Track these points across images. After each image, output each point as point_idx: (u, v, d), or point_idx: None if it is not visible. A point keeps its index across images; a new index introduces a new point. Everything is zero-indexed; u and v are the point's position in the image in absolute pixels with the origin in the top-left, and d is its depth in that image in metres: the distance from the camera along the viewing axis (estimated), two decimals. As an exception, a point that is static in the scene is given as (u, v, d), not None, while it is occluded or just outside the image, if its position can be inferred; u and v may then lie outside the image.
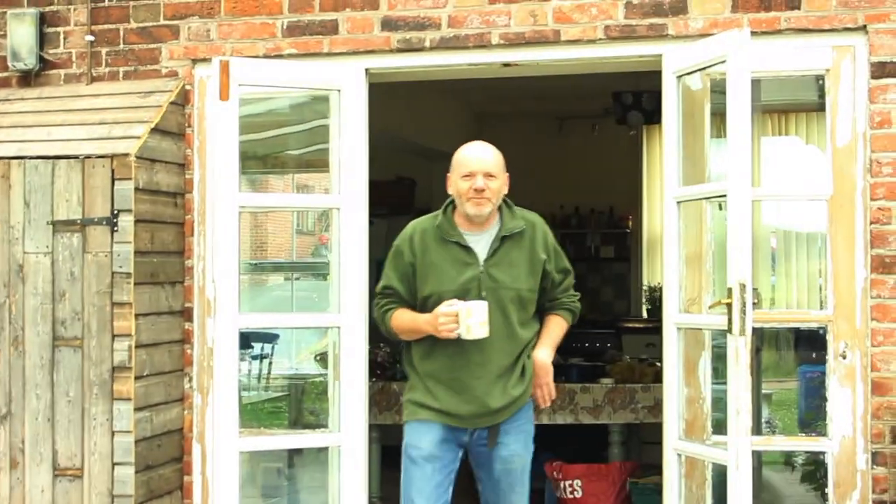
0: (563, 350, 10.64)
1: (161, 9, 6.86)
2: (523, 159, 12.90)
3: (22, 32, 6.89)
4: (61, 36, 6.98)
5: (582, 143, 12.68)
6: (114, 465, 6.23)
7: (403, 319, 5.24)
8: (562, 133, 12.77)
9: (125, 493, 6.28)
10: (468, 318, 4.84)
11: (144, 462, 6.44)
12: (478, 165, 5.10)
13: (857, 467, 5.97)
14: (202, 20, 6.79)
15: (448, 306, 4.91)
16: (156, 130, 6.50)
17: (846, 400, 6.00)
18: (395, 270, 5.27)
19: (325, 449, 6.70)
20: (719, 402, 5.92)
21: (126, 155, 6.24)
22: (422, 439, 5.17)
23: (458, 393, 5.08)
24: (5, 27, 6.91)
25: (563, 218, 13.13)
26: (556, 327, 5.39)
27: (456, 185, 5.14)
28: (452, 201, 5.24)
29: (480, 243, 5.14)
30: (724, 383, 5.76)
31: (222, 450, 6.42)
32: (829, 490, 6.03)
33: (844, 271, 5.98)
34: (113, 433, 6.24)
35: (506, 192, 5.23)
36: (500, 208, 5.24)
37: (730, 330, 5.60)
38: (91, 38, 6.94)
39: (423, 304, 5.15)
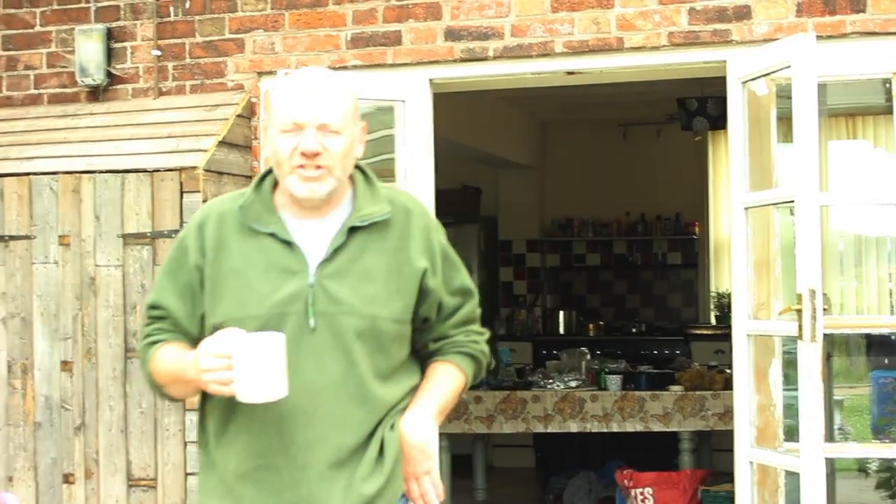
0: (632, 357, 10.70)
1: (226, 23, 6.92)
2: (588, 167, 13.05)
3: (90, 48, 6.96)
4: (128, 51, 7.05)
5: (647, 150, 12.64)
6: (186, 475, 6.27)
7: (167, 363, 3.03)
8: (626, 140, 12.73)
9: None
10: (247, 366, 2.71)
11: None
12: (308, 111, 2.91)
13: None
14: (267, 33, 6.85)
15: (220, 340, 2.80)
16: (223, 143, 6.55)
17: (919, 405, 5.98)
18: (171, 277, 3.10)
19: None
20: (791, 409, 5.90)
21: (194, 168, 6.30)
22: None
23: (271, 494, 2.95)
24: (73, 43, 6.99)
25: (630, 225, 13.11)
26: (444, 381, 3.14)
27: (273, 144, 2.99)
28: (271, 171, 3.09)
29: (314, 237, 2.98)
30: (796, 390, 5.74)
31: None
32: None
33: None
34: (185, 443, 6.29)
35: (360, 154, 3.07)
36: (352, 182, 3.08)
37: (800, 336, 5.59)
38: (158, 52, 7.01)
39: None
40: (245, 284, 2.98)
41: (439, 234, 3.21)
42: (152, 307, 3.15)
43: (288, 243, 2.99)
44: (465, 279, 3.26)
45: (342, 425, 2.96)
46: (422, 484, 3.07)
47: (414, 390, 3.14)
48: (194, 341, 3.02)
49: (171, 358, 3.04)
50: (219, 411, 3.02)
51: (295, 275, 2.96)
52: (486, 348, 3.31)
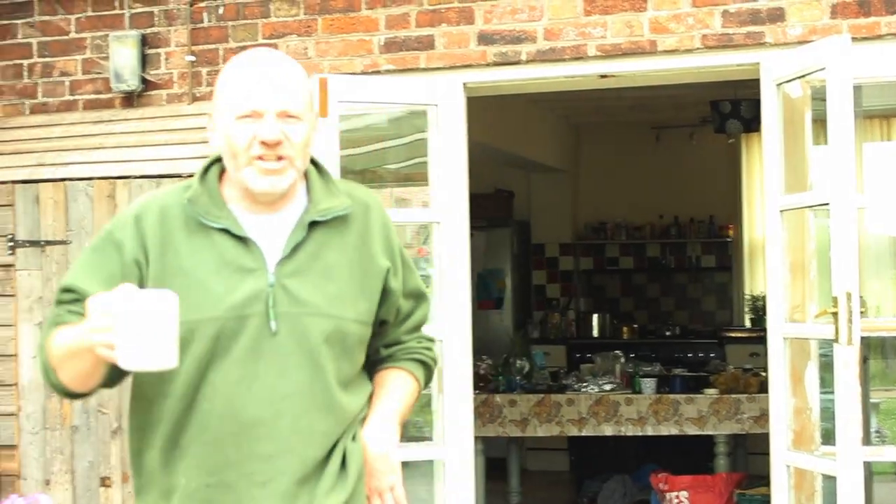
0: (666, 361, 10.70)
1: (259, 28, 6.95)
2: (621, 170, 13.08)
3: (124, 54, 7.00)
4: (162, 57, 7.09)
5: (680, 153, 12.65)
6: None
7: (62, 336, 2.59)
8: (659, 143, 12.75)
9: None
10: (132, 326, 2.32)
11: None
12: (267, 96, 2.65)
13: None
14: (300, 38, 6.87)
15: (110, 297, 2.37)
16: None
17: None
18: (93, 266, 2.74)
19: (430, 462, 6.72)
20: (827, 412, 5.90)
21: None
22: None
23: None
24: (108, 49, 7.02)
25: (663, 228, 13.13)
26: (402, 389, 2.96)
27: (225, 133, 2.69)
28: (217, 160, 2.80)
29: (268, 234, 2.73)
30: (832, 393, 5.74)
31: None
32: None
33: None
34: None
35: (314, 144, 2.83)
36: (305, 175, 2.84)
37: (836, 339, 5.58)
38: (192, 58, 7.03)
39: None
40: (196, 285, 2.66)
41: (394, 231, 3.00)
42: (64, 290, 2.73)
43: (243, 239, 2.70)
44: (420, 281, 3.08)
45: (307, 436, 2.70)
46: (384, 500, 2.84)
47: (370, 399, 2.92)
48: None
49: (68, 332, 2.57)
50: (168, 423, 2.69)
51: (252, 274, 2.68)
52: (436, 355, 3.15)
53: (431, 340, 3.14)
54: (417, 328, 3.06)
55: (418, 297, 3.05)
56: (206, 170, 2.80)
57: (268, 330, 2.66)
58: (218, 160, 2.80)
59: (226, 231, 2.69)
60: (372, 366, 2.97)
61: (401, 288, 2.93)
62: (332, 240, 2.78)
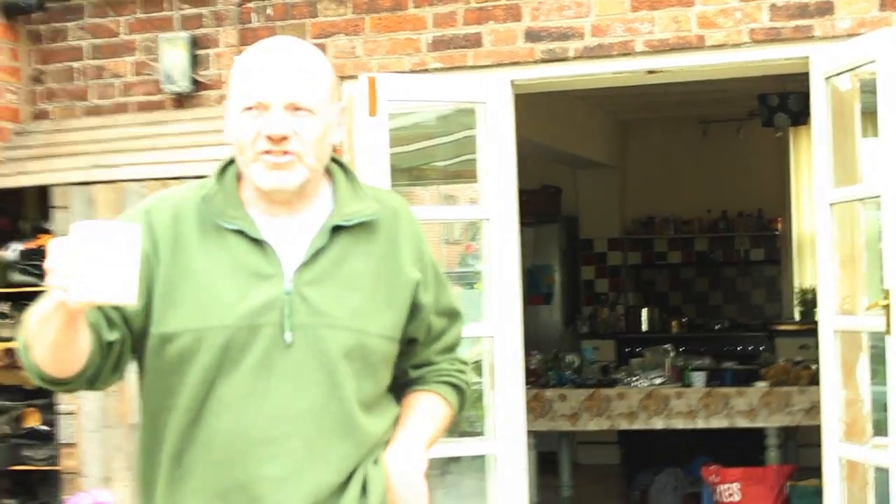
0: (716, 354, 10.71)
1: (307, 28, 6.97)
2: (668, 164, 13.07)
3: (174, 55, 7.04)
4: (212, 58, 7.12)
5: (727, 147, 12.63)
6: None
7: (39, 304, 2.28)
8: (706, 137, 12.74)
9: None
10: (89, 256, 2.09)
11: None
12: (274, 87, 2.42)
13: None
14: (348, 37, 6.89)
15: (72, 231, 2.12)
16: None
17: None
18: None
19: (482, 457, 6.75)
20: (879, 404, 5.89)
21: None
22: None
23: None
24: (158, 51, 7.07)
25: (711, 222, 13.13)
26: (431, 412, 2.68)
27: (234, 126, 2.48)
28: (234, 160, 2.56)
29: (288, 238, 2.49)
30: (884, 385, 5.73)
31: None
32: None
33: None
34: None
35: (338, 140, 2.62)
36: (330, 175, 2.60)
37: (888, 331, 5.57)
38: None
39: (160, 353, 2.46)
40: (207, 290, 2.44)
41: (426, 244, 2.68)
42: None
43: (259, 242, 2.46)
44: (453, 299, 2.76)
45: (322, 460, 2.43)
46: None
47: (396, 422, 2.62)
48: (105, 344, 2.40)
49: (39, 305, 2.29)
50: (172, 440, 2.45)
51: (268, 280, 2.43)
52: (470, 379, 2.81)
53: (465, 363, 2.82)
54: (450, 349, 2.76)
55: (452, 316, 2.75)
56: (224, 169, 2.58)
57: (282, 341, 2.41)
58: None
59: (241, 233, 2.46)
60: (400, 388, 2.69)
61: (432, 303, 2.64)
62: (357, 247, 2.51)
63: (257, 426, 2.40)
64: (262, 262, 2.44)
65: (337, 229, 2.48)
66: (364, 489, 2.47)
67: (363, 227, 2.52)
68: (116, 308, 2.36)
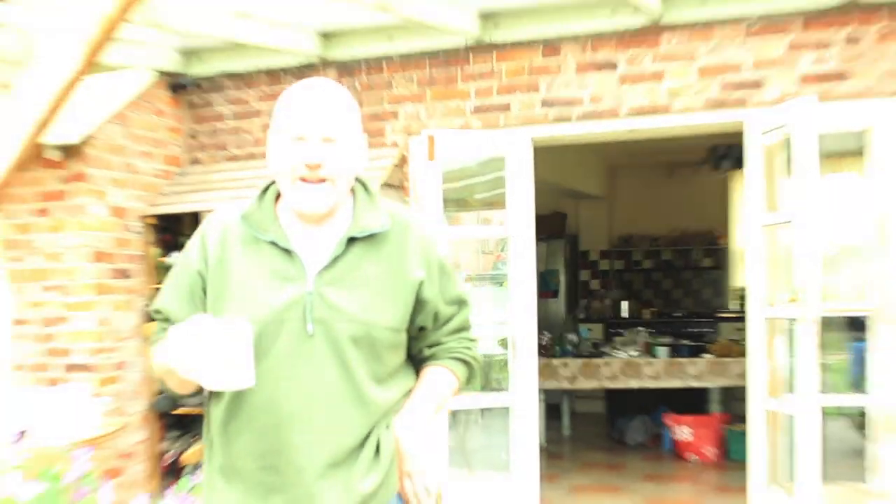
0: (676, 334, 10.71)
1: (385, 97, 7.02)
2: (644, 197, 13.10)
3: None
4: None
5: (686, 184, 12.61)
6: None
7: (161, 358, 2.35)
8: (672, 177, 12.73)
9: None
10: (212, 354, 2.10)
11: None
12: (312, 122, 2.31)
13: (893, 416, 5.92)
14: (413, 105, 6.94)
15: (191, 327, 2.14)
16: (385, 185, 6.59)
17: (885, 367, 5.94)
18: (175, 283, 2.50)
19: (506, 408, 6.76)
20: (792, 370, 5.91)
21: None
22: None
23: (272, 492, 2.35)
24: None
25: (674, 239, 13.09)
26: (438, 384, 2.57)
27: (275, 154, 2.39)
28: (274, 182, 2.48)
29: (313, 246, 2.40)
30: (795, 356, 5.76)
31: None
32: (873, 433, 5.99)
33: (885, 274, 5.94)
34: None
35: (361, 168, 2.50)
36: (353, 194, 2.50)
37: (800, 318, 5.62)
38: (337, 119, 7.15)
39: None
40: (246, 290, 2.35)
41: (435, 247, 2.54)
42: (156, 311, 2.51)
43: (287, 251, 2.36)
44: (459, 291, 2.60)
45: (339, 427, 2.33)
46: (416, 482, 2.45)
47: (409, 392, 2.52)
48: None
49: (162, 353, 2.32)
50: (220, 412, 2.40)
51: (293, 282, 2.34)
52: (477, 354, 2.67)
53: (473, 340, 2.66)
54: (459, 330, 2.61)
55: (459, 304, 2.59)
56: (266, 189, 2.47)
57: (305, 332, 2.31)
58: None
59: (273, 243, 2.36)
60: (418, 364, 2.58)
61: (438, 296, 2.50)
62: (370, 254, 2.39)
63: (287, 403, 2.32)
64: (290, 268, 2.34)
65: (352, 240, 2.37)
66: (377, 450, 2.37)
67: (375, 237, 2.40)
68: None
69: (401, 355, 2.48)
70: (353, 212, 2.43)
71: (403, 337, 2.45)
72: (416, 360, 2.56)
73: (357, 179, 2.47)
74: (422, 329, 2.51)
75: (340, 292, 2.33)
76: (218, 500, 2.39)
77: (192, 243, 2.46)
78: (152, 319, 2.52)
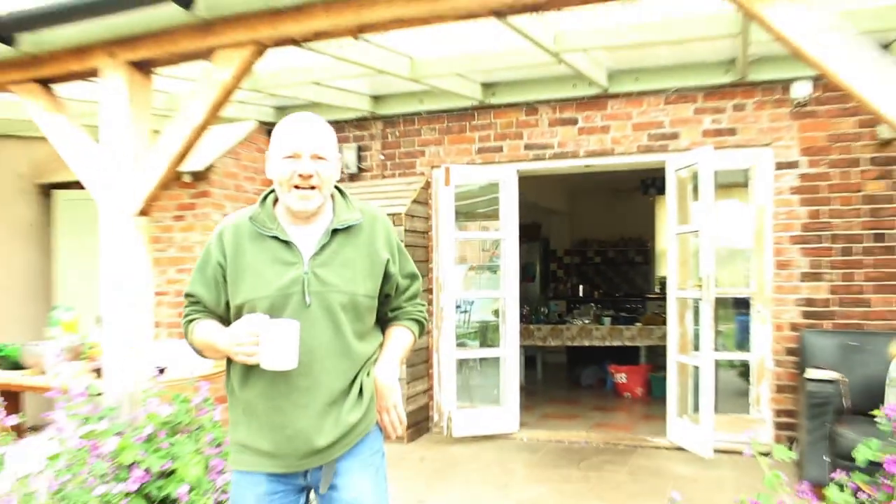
0: (617, 309, 10.72)
1: (415, 141, 7.04)
2: (596, 212, 13.05)
3: (349, 154, 7.08)
4: (369, 156, 7.20)
5: (626, 203, 12.59)
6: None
7: (201, 335, 2.35)
8: (616, 198, 12.70)
9: (399, 377, 6.23)
10: (271, 343, 2.14)
11: (411, 362, 6.44)
12: (304, 143, 2.26)
13: (767, 367, 5.95)
14: (436, 147, 6.97)
15: (249, 324, 2.17)
16: (414, 201, 6.61)
17: (761, 333, 5.98)
18: (201, 274, 2.38)
19: (498, 358, 6.84)
20: (696, 334, 5.95)
21: (400, 213, 6.36)
22: (244, 498, 2.34)
23: (280, 427, 2.28)
24: (342, 152, 7.13)
25: (616, 242, 13.10)
26: (401, 340, 2.49)
27: (276, 168, 2.29)
28: (273, 190, 2.39)
29: (306, 238, 2.32)
30: (698, 325, 5.80)
31: (446, 356, 6.63)
32: (753, 379, 6.02)
33: (761, 268, 5.97)
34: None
35: (338, 178, 2.41)
36: (332, 197, 2.40)
37: (702, 298, 5.65)
38: (382, 157, 7.17)
39: (238, 315, 2.31)
40: (257, 274, 2.26)
41: (395, 234, 2.43)
42: (188, 295, 2.38)
43: (287, 243, 2.27)
44: (413, 267, 2.49)
45: (333, 374, 2.26)
46: (391, 414, 2.38)
47: (380, 346, 2.42)
48: (221, 319, 2.34)
49: (204, 333, 2.31)
50: (240, 366, 2.29)
51: (293, 266, 2.26)
52: (426, 315, 2.57)
53: (423, 305, 2.55)
54: (413, 297, 2.50)
55: (413, 277, 2.48)
56: (266, 196, 2.37)
57: (304, 303, 2.23)
58: (273, 190, 2.36)
59: (275, 237, 2.28)
60: (383, 324, 2.46)
61: (398, 271, 2.41)
62: (349, 241, 2.31)
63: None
64: (289, 255, 2.26)
65: (335, 231, 2.29)
66: (361, 392, 2.30)
67: (352, 228, 2.31)
68: (217, 301, 2.32)
69: (373, 317, 2.38)
70: (334, 210, 2.34)
71: (376, 303, 2.36)
72: (381, 321, 2.45)
73: (335, 186, 2.37)
74: (387, 296, 2.41)
75: (329, 271, 2.26)
76: (242, 433, 2.30)
77: (212, 241, 2.35)
78: (186, 304, 2.41)
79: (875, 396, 4.99)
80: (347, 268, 2.28)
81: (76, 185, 6.92)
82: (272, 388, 2.23)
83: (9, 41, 3.54)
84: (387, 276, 2.35)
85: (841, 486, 2.57)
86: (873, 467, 2.62)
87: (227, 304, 2.30)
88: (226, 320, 2.31)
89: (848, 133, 5.70)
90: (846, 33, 2.37)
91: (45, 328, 4.98)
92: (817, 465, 4.63)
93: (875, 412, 2.83)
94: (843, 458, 4.47)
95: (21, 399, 5.23)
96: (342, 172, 7.06)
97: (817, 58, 2.39)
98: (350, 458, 2.30)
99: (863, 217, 5.66)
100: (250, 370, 2.24)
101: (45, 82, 3.78)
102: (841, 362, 5.18)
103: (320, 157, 2.23)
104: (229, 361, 2.31)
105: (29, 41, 3.62)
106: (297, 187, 2.23)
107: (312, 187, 2.23)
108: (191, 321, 2.35)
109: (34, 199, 7.16)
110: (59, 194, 7.12)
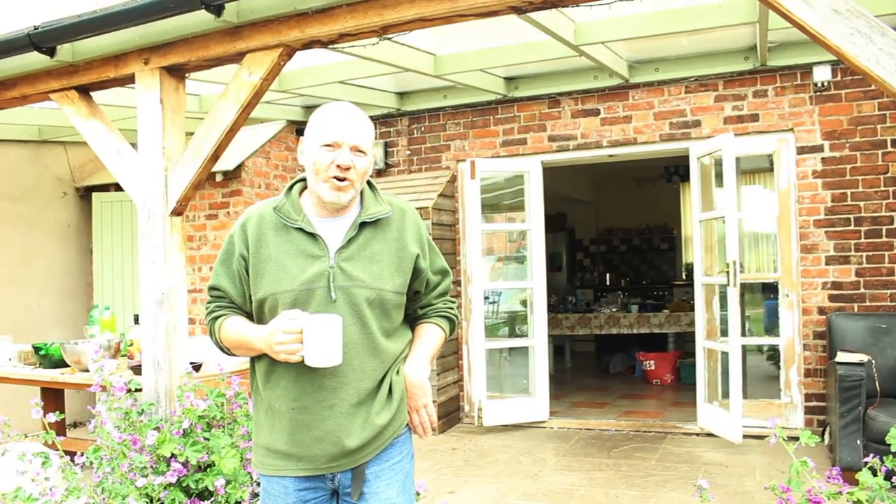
0: (644, 296, 10.70)
1: (441, 136, 7.08)
2: (620, 201, 13.00)
3: (377, 151, 7.16)
4: (396, 152, 7.24)
5: (650, 192, 12.53)
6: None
7: (233, 333, 2.19)
8: (639, 187, 12.65)
9: (432, 369, 6.24)
10: (315, 339, 2.00)
11: (441, 353, 6.51)
12: (347, 134, 2.09)
13: (796, 351, 5.92)
14: (461, 141, 7.00)
15: (290, 320, 2.01)
16: (441, 195, 6.64)
17: (789, 318, 5.94)
18: (224, 266, 2.23)
19: (526, 347, 6.86)
20: (724, 320, 5.93)
21: (427, 207, 6.39)
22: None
23: (305, 428, 2.12)
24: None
25: (641, 230, 13.03)
26: (431, 337, 2.31)
27: (312, 156, 2.11)
28: (301, 180, 2.24)
29: (332, 231, 2.16)
30: (726, 311, 5.78)
31: (476, 347, 6.65)
32: (782, 363, 5.99)
33: (786, 252, 5.94)
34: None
35: (371, 173, 2.36)
36: (360, 190, 2.21)
37: (728, 284, 5.63)
38: (408, 152, 7.21)
39: (259, 311, 2.17)
40: (280, 267, 2.11)
41: (424, 229, 2.28)
42: (212, 289, 2.24)
43: (312, 235, 2.12)
44: (444, 263, 2.34)
45: (360, 373, 2.10)
46: (421, 415, 2.24)
47: (409, 343, 2.26)
48: (247, 314, 2.21)
49: (236, 330, 2.16)
50: (264, 364, 2.16)
51: (318, 259, 2.10)
52: (457, 312, 2.39)
53: (454, 302, 2.38)
54: (443, 294, 2.33)
55: (443, 273, 2.32)
56: (292, 186, 2.23)
57: (329, 298, 2.07)
58: (300, 179, 2.23)
59: (301, 229, 2.13)
60: (413, 321, 2.31)
61: (428, 266, 2.25)
62: (377, 235, 2.15)
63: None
64: (315, 248, 2.11)
65: (363, 224, 2.14)
66: (390, 391, 2.16)
67: (380, 222, 2.16)
68: (242, 295, 2.19)
69: (402, 314, 2.23)
70: (362, 203, 2.19)
71: (404, 299, 2.21)
72: (410, 318, 2.31)
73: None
74: (416, 293, 2.26)
75: (356, 265, 2.11)
76: (264, 436, 2.18)
77: (235, 231, 2.22)
78: (210, 298, 2.27)
79: (905, 379, 4.95)
80: (375, 263, 2.14)
81: (114, 186, 7.15)
82: (297, 386, 2.11)
83: (51, 52, 3.62)
84: (416, 272, 2.22)
85: (874, 471, 2.54)
86: (908, 451, 2.59)
87: (251, 297, 2.18)
88: (251, 316, 2.20)
89: (871, 115, 5.65)
90: (864, 17, 2.36)
91: (85, 327, 5.08)
92: (851, 449, 4.60)
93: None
94: (877, 442, 4.45)
95: (62, 397, 5.35)
96: (376, 167, 7.02)
97: (837, 44, 2.38)
98: (379, 463, 2.17)
99: (889, 199, 5.60)
100: (274, 369, 2.13)
101: (83, 89, 3.85)
102: (871, 345, 5.14)
103: (360, 151, 2.10)
104: (254, 359, 2.21)
105: (68, 51, 3.70)
106: (335, 178, 2.09)
107: (347, 180, 2.09)
108: (217, 317, 2.23)
109: (73, 202, 7.29)
110: (98, 196, 7.24)
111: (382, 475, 2.16)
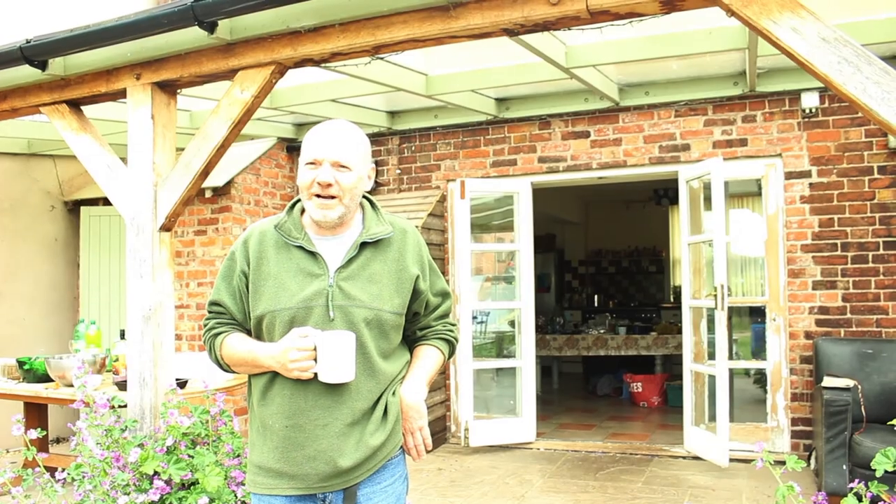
0: (632, 318, 10.71)
1: (431, 156, 7.09)
2: (610, 222, 13.02)
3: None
4: (385, 171, 7.24)
5: (639, 214, 12.59)
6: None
7: (238, 350, 2.16)
8: (628, 209, 12.71)
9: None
10: (329, 356, 2.01)
11: None
12: (325, 150, 2.08)
13: (783, 375, 5.92)
14: (451, 161, 7.01)
15: (302, 338, 2.02)
16: (430, 214, 6.63)
17: (776, 342, 5.96)
18: (226, 281, 2.21)
19: (514, 368, 6.83)
20: (711, 343, 5.93)
21: (417, 226, 6.37)
22: None
23: (298, 446, 2.08)
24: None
25: (630, 252, 13.07)
26: (430, 359, 2.27)
27: (299, 175, 2.14)
28: (299, 200, 2.23)
29: (333, 249, 2.15)
30: (713, 334, 5.78)
31: (463, 367, 6.63)
32: (769, 387, 6.00)
33: (774, 276, 5.96)
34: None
35: (367, 188, 2.21)
36: (362, 208, 2.22)
37: (716, 307, 5.64)
38: (398, 171, 7.22)
39: (257, 328, 2.15)
40: (279, 285, 2.09)
41: (426, 250, 2.26)
42: (213, 304, 2.21)
43: (312, 253, 2.10)
44: (444, 284, 2.31)
45: (356, 393, 2.07)
46: (416, 437, 2.19)
47: (407, 365, 2.23)
48: (247, 331, 2.18)
49: (242, 347, 2.14)
50: (261, 381, 2.13)
51: (318, 277, 2.08)
52: (458, 334, 2.37)
53: (454, 325, 2.35)
54: (443, 316, 2.31)
55: (444, 295, 2.30)
56: (294, 204, 2.22)
57: (328, 317, 2.05)
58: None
59: (301, 247, 2.11)
60: (412, 343, 2.28)
61: (428, 288, 2.22)
62: (377, 255, 2.13)
63: (312, 383, 2.06)
64: (314, 266, 2.09)
65: (364, 244, 2.12)
66: (385, 412, 2.12)
67: (381, 242, 2.14)
68: (243, 311, 2.16)
69: (400, 335, 2.21)
70: (364, 222, 2.18)
71: (403, 320, 2.18)
72: (409, 340, 2.29)
73: (364, 197, 2.21)
74: (415, 314, 2.23)
75: (355, 285, 2.09)
76: (256, 454, 2.14)
77: (237, 247, 2.20)
78: (209, 313, 2.25)
79: (892, 404, 4.96)
80: (374, 283, 2.11)
81: (102, 201, 7.12)
82: (291, 404, 2.07)
83: (42, 65, 3.62)
84: (415, 293, 2.19)
85: (860, 496, 2.54)
86: (893, 476, 2.59)
87: (248, 314, 2.16)
88: (250, 332, 2.18)
89: (858, 142, 5.69)
90: (852, 46, 2.39)
91: (71, 341, 5.04)
92: (837, 474, 4.59)
93: (893, 422, 2.81)
94: (862, 468, 4.44)
95: (46, 412, 5.29)
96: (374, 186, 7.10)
97: (824, 72, 2.40)
98: (371, 485, 2.13)
99: (875, 225, 5.64)
100: (271, 386, 2.11)
101: (74, 103, 3.84)
102: (857, 370, 5.15)
103: (342, 166, 2.07)
104: (251, 377, 2.19)
105: (60, 65, 3.70)
106: (317, 196, 2.09)
107: (332, 197, 2.08)
108: (218, 334, 2.20)
109: (62, 215, 7.26)
110: (86, 210, 7.21)
111: (374, 497, 2.13)
